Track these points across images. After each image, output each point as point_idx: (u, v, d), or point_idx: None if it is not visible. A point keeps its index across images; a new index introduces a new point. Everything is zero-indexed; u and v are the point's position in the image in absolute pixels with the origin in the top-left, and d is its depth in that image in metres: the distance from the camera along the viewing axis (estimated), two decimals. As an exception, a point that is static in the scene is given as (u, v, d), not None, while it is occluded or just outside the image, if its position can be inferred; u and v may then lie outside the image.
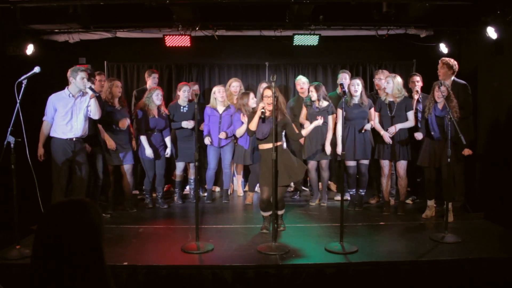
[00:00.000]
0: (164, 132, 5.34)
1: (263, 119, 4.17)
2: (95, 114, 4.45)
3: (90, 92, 4.34)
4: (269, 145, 4.08)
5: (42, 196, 4.15)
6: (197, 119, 4.22)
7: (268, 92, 4.12)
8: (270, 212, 4.27)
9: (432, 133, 4.67)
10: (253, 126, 4.19)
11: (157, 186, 5.48)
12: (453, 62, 5.09)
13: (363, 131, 5.02)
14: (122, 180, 5.18)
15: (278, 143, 4.17)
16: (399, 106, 4.90)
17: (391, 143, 4.86)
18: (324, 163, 5.36)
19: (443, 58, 5.21)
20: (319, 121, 4.53)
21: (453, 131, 4.07)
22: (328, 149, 5.24)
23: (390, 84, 4.90)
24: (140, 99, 5.50)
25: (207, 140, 5.52)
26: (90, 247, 1.29)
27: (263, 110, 4.10)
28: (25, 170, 3.89)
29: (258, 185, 5.46)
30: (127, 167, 5.13)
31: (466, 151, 4.64)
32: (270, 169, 4.03)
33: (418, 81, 5.31)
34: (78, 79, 4.31)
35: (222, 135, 5.46)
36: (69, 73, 4.39)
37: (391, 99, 4.94)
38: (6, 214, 4.12)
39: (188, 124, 5.31)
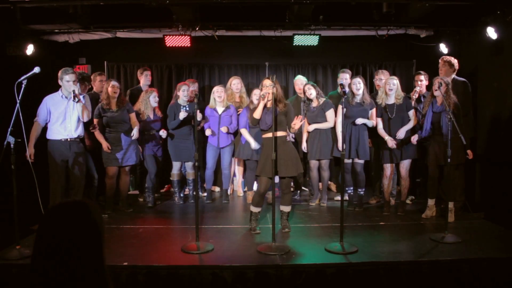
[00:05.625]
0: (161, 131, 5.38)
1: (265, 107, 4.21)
2: (82, 118, 4.45)
3: (74, 96, 4.33)
4: (271, 134, 4.12)
5: (42, 196, 4.15)
6: (196, 119, 4.22)
7: (267, 82, 4.21)
8: (260, 209, 4.36)
9: (424, 129, 4.68)
10: (257, 114, 4.21)
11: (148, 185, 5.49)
12: (454, 60, 5.12)
13: (356, 123, 5.00)
14: (119, 180, 5.19)
15: (283, 133, 4.23)
16: (400, 107, 4.90)
17: (395, 147, 4.86)
18: (324, 162, 5.36)
19: (444, 56, 5.22)
20: (301, 123, 4.38)
21: (452, 131, 4.07)
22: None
23: (395, 86, 4.92)
24: (134, 97, 5.50)
25: (208, 132, 5.51)
26: (90, 248, 1.29)
27: (262, 94, 4.16)
28: (25, 170, 3.89)
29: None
30: (126, 167, 5.13)
31: (470, 154, 4.65)
32: (269, 160, 4.08)
33: (422, 80, 5.32)
34: (64, 81, 4.31)
35: (224, 129, 5.47)
36: (59, 74, 4.36)
37: (391, 102, 4.94)
38: (6, 214, 4.12)
39: (184, 114, 5.24)
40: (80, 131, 4.49)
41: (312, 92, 5.30)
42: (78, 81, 4.52)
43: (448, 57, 5.19)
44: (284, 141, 4.23)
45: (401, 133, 4.83)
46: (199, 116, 5.28)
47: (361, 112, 5.06)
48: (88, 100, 4.64)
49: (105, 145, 4.92)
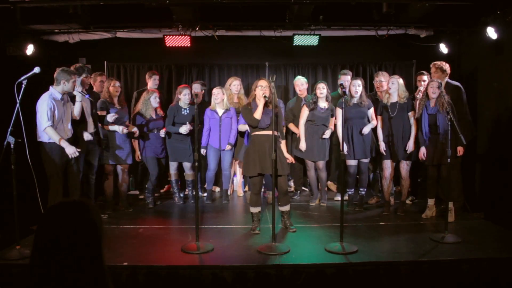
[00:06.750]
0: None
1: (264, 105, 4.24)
2: (77, 116, 4.47)
3: (79, 96, 4.34)
4: (267, 132, 4.18)
5: (42, 196, 4.14)
6: (197, 121, 4.22)
7: (263, 83, 4.28)
8: (259, 208, 4.39)
9: (424, 133, 4.68)
10: (258, 114, 4.22)
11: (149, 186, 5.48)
12: (445, 65, 5.12)
13: (363, 132, 5.04)
14: (117, 180, 5.19)
15: (276, 133, 4.21)
16: (402, 106, 4.90)
17: (384, 154, 4.94)
18: (321, 163, 5.36)
19: (435, 62, 5.20)
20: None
21: (452, 131, 4.06)
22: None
23: (395, 85, 4.91)
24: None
25: (202, 151, 5.55)
26: (90, 247, 1.29)
27: (265, 95, 4.19)
28: (25, 170, 3.89)
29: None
30: (123, 166, 5.14)
31: (461, 150, 4.64)
32: (265, 156, 4.14)
33: (424, 80, 5.31)
34: (71, 82, 4.25)
35: (228, 147, 5.53)
36: (59, 74, 4.22)
37: (394, 101, 4.94)
38: (6, 214, 4.11)
39: (186, 130, 5.27)
40: (72, 130, 4.48)
41: (324, 92, 5.30)
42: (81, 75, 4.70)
43: (438, 62, 5.16)
44: (278, 140, 4.30)
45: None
46: (183, 130, 5.24)
47: (359, 113, 5.08)
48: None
49: (121, 128, 4.97)
